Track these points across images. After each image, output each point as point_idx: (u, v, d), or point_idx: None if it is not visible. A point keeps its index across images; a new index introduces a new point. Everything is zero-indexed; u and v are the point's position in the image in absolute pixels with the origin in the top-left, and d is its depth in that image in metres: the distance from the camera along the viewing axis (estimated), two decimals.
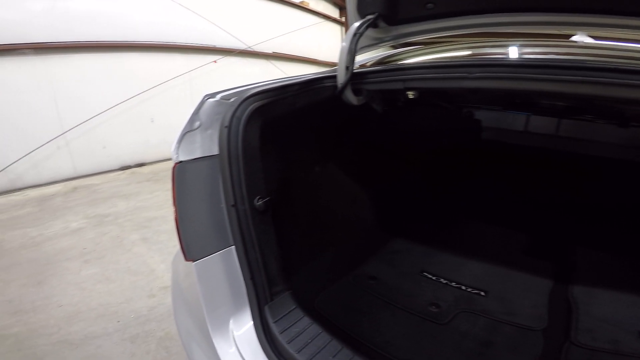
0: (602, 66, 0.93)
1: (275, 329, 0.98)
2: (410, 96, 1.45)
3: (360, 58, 1.50)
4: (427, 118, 2.07)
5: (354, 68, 1.41)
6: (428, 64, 1.53)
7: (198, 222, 1.00)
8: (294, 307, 1.06)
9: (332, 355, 0.92)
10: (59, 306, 2.33)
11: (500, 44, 1.74)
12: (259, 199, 1.05)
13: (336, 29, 10.02)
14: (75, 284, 2.58)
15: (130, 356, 1.90)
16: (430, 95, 1.79)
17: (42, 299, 2.41)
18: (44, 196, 4.53)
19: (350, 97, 1.45)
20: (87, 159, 5.37)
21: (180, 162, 0.97)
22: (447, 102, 1.93)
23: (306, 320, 1.02)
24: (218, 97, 1.04)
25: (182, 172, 0.98)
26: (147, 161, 6.02)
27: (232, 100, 1.05)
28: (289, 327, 0.99)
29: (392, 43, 1.64)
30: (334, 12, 9.94)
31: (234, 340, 1.00)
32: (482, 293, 1.51)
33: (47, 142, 4.88)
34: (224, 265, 1.02)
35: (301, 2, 8.56)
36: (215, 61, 6.70)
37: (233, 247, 1.03)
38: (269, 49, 7.70)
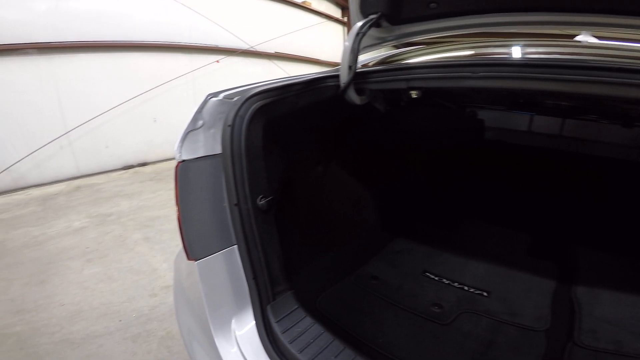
0: (607, 65, 0.92)
1: (277, 328, 0.98)
2: (414, 96, 1.44)
3: (362, 58, 1.50)
4: (429, 118, 2.06)
5: (357, 67, 1.40)
6: (431, 64, 1.52)
7: (201, 221, 1.00)
8: (296, 307, 1.06)
9: (334, 355, 0.91)
10: (61, 305, 2.34)
11: (503, 44, 1.74)
12: (262, 198, 1.05)
13: (338, 29, 10.03)
14: (78, 283, 2.59)
15: (131, 355, 1.90)
16: (434, 95, 1.79)
17: (45, 298, 2.41)
18: (47, 195, 4.54)
19: (353, 96, 1.44)
20: (90, 158, 5.38)
21: (183, 161, 0.97)
22: (450, 101, 1.93)
23: (308, 320, 1.02)
24: (221, 96, 1.04)
25: (185, 171, 0.98)
26: (150, 161, 6.04)
27: (235, 99, 1.05)
28: (291, 327, 0.99)
29: (395, 43, 1.64)
30: (336, 12, 9.94)
31: (236, 340, 1.00)
32: (485, 293, 1.50)
33: (51, 142, 4.90)
34: (227, 264, 1.02)
35: (303, 2, 8.56)
36: (217, 61, 6.71)
37: (235, 246, 1.03)
38: (271, 49, 7.71)
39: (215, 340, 0.98)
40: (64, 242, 3.23)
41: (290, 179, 1.47)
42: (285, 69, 8.01)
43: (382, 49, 1.72)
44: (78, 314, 2.24)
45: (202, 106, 1.00)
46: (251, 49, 7.22)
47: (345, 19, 10.01)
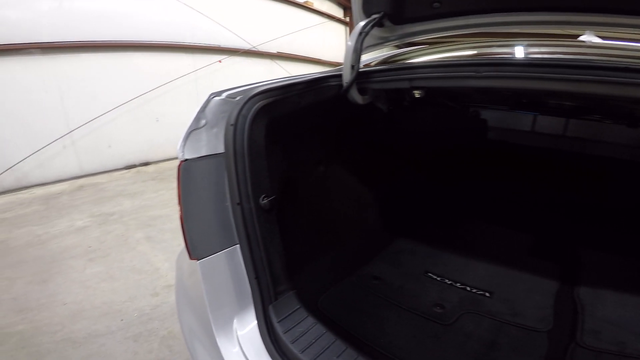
0: (612, 65, 0.92)
1: (279, 328, 0.98)
2: (417, 95, 1.44)
3: (363, 58, 1.49)
4: (432, 118, 2.06)
5: (359, 67, 1.40)
6: (435, 63, 1.52)
7: (203, 220, 1.00)
8: (298, 306, 1.06)
9: (336, 355, 0.91)
10: (63, 304, 2.34)
11: (506, 44, 1.73)
12: (265, 197, 1.05)
13: (340, 29, 10.02)
14: (80, 282, 2.59)
15: (133, 355, 1.90)
16: (437, 95, 1.78)
17: (47, 297, 2.42)
18: (50, 194, 4.56)
19: (355, 96, 1.44)
20: (93, 157, 5.40)
21: (186, 160, 0.97)
22: (453, 101, 1.92)
23: (310, 320, 1.02)
24: (224, 95, 1.04)
25: (187, 170, 0.98)
26: (152, 160, 6.05)
27: (238, 98, 1.05)
28: (293, 327, 0.99)
29: (397, 42, 1.64)
30: (338, 12, 9.94)
31: (238, 340, 0.99)
32: (487, 294, 1.50)
33: (54, 141, 4.92)
34: (229, 263, 1.02)
35: (305, 2, 8.56)
36: (220, 61, 6.72)
37: (238, 245, 1.03)
38: (273, 49, 7.71)
39: (217, 339, 0.98)
40: (66, 241, 3.24)
41: (292, 178, 1.46)
42: (287, 69, 8.02)
43: (384, 49, 1.71)
44: (80, 313, 2.25)
45: (205, 105, 1.00)
46: (253, 49, 7.23)
47: (347, 19, 10.00)
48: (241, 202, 1.01)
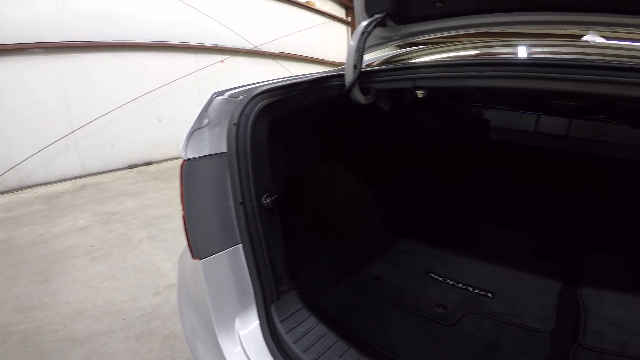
0: (618, 65, 0.91)
1: (281, 328, 0.98)
2: (419, 95, 1.44)
3: (365, 58, 1.49)
4: (434, 118, 2.05)
5: (362, 67, 1.40)
6: (438, 63, 1.51)
7: (205, 219, 1.00)
8: (300, 306, 1.05)
9: (338, 355, 0.91)
10: (65, 303, 2.35)
11: (509, 44, 1.73)
12: (267, 196, 1.05)
13: (342, 29, 10.02)
14: (82, 281, 2.60)
15: (134, 354, 1.90)
16: (439, 95, 1.78)
17: (49, 296, 2.43)
18: (53, 194, 4.57)
19: (358, 96, 1.44)
20: (96, 157, 5.42)
21: (189, 159, 0.97)
22: (455, 101, 1.91)
23: (312, 320, 1.02)
24: (226, 94, 1.04)
25: (190, 170, 0.98)
26: (154, 160, 6.06)
27: (240, 98, 1.05)
28: (294, 327, 0.98)
29: (400, 42, 1.63)
30: (340, 12, 9.94)
31: (240, 340, 0.99)
32: (489, 294, 1.49)
33: (57, 141, 4.93)
34: (231, 263, 1.02)
35: (307, 2, 8.57)
36: (222, 61, 6.73)
37: (240, 245, 1.03)
38: (275, 49, 7.72)
39: (219, 339, 0.98)
40: (69, 241, 3.25)
41: (295, 178, 1.46)
42: (289, 69, 8.02)
43: (387, 49, 1.71)
44: (82, 312, 2.25)
45: (207, 104, 1.00)
46: (255, 49, 7.24)
47: (349, 19, 10.01)
48: (244, 201, 1.01)
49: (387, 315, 1.39)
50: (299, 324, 1.00)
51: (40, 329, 2.11)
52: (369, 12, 1.42)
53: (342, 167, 1.82)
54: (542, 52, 1.56)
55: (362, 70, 1.39)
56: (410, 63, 1.60)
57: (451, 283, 1.58)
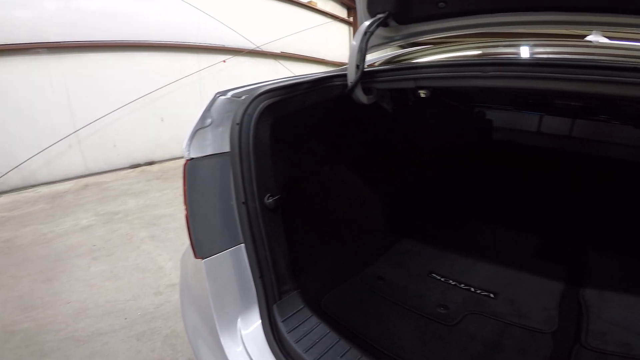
0: (623, 65, 0.91)
1: (283, 328, 0.98)
2: (422, 95, 1.44)
3: (368, 57, 1.49)
4: (437, 118, 2.05)
5: (364, 67, 1.40)
6: (440, 63, 1.51)
7: (208, 219, 1.00)
8: (302, 306, 1.05)
9: (340, 355, 0.91)
10: (67, 303, 2.36)
11: (512, 44, 1.72)
12: (270, 196, 1.05)
13: (344, 29, 10.03)
14: (84, 280, 2.61)
15: (135, 353, 1.91)
16: (442, 95, 1.77)
17: (51, 295, 2.44)
18: (56, 193, 4.59)
19: (360, 96, 1.44)
20: (98, 156, 5.44)
21: (192, 159, 0.97)
22: (458, 101, 1.91)
23: (314, 319, 1.02)
24: (229, 94, 1.04)
25: (193, 169, 0.98)
26: (157, 159, 6.08)
27: (243, 97, 1.05)
28: (297, 327, 0.98)
29: (402, 42, 1.63)
30: (342, 12, 9.94)
31: (242, 339, 0.99)
32: (492, 295, 1.49)
33: (60, 140, 4.96)
34: (233, 263, 1.02)
35: (309, 2, 8.58)
36: (224, 61, 6.74)
37: (242, 245, 1.03)
38: (277, 49, 7.74)
39: (221, 339, 0.98)
40: (71, 240, 3.26)
41: (297, 178, 1.46)
42: (291, 69, 8.03)
43: (389, 49, 1.71)
44: (84, 312, 2.26)
45: (210, 104, 1.00)
46: (257, 49, 7.25)
47: (351, 19, 10.01)
48: (246, 201, 1.01)
49: (389, 316, 1.39)
50: (301, 324, 1.00)
51: (42, 328, 2.12)
52: (372, 12, 1.42)
53: (344, 167, 1.82)
54: (546, 52, 1.55)
55: (365, 70, 1.39)
56: (413, 63, 1.60)
57: (453, 283, 1.57)
